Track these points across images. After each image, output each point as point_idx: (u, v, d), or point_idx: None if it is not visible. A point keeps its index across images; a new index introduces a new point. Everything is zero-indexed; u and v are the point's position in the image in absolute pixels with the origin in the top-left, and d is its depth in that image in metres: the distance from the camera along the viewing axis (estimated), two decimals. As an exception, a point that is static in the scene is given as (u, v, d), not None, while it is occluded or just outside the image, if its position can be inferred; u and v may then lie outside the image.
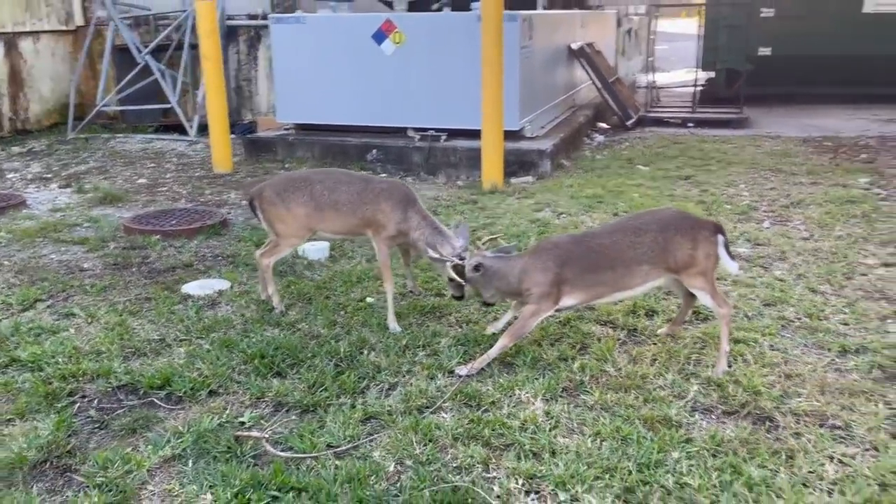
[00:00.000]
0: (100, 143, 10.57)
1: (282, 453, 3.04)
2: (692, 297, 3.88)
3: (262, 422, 3.31)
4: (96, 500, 2.75)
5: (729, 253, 3.74)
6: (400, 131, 8.75)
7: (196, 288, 4.82)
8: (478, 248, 4.05)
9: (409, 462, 2.97)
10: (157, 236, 5.81)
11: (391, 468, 2.93)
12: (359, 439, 3.14)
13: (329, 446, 3.08)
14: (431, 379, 3.62)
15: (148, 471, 2.95)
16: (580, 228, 5.83)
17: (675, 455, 2.96)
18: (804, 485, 2.79)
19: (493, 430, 3.15)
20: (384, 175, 8.07)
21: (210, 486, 2.83)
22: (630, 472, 2.85)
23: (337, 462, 2.97)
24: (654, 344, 3.98)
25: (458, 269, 3.92)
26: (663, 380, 3.59)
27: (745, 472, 2.84)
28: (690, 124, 11.06)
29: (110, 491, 2.81)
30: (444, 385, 3.56)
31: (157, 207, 6.93)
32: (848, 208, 6.39)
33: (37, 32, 11.71)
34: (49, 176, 8.41)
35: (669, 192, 7.11)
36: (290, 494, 2.77)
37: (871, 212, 6.28)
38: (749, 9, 12.15)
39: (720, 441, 3.06)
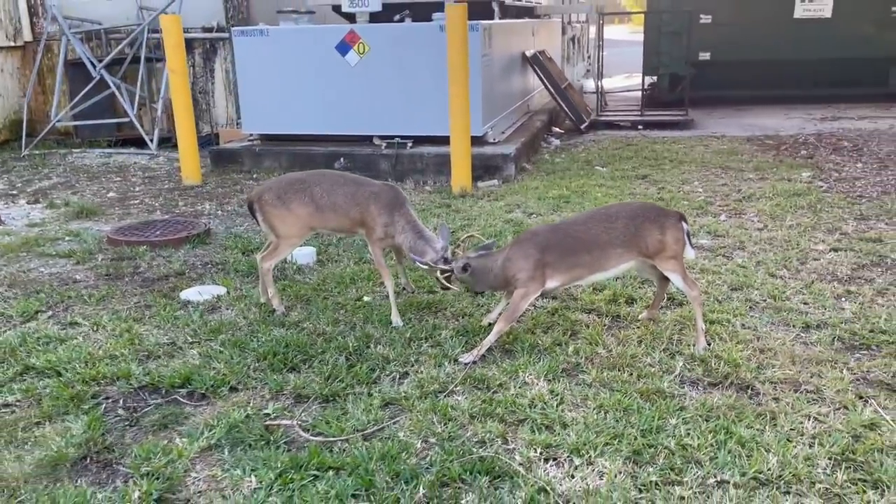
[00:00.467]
0: (57, 158, 10.50)
1: (314, 438, 3.26)
2: (665, 281, 4.23)
3: (285, 413, 3.51)
4: (146, 487, 2.92)
5: (689, 240, 4.12)
6: (366, 139, 8.98)
7: (194, 294, 4.96)
8: (463, 251, 4.32)
9: (433, 440, 3.23)
10: (145, 247, 5.91)
11: (418, 445, 3.18)
12: (382, 422, 3.38)
13: (356, 430, 3.31)
14: (439, 366, 3.88)
15: (189, 460, 3.13)
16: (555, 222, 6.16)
17: (673, 421, 3.28)
18: (788, 440, 3.14)
19: (505, 409, 3.43)
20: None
21: (252, 469, 3.03)
22: (635, 438, 3.16)
23: (366, 444, 3.20)
24: (638, 328, 4.32)
25: (446, 273, 4.20)
26: (651, 358, 3.92)
27: (735, 433, 3.18)
28: (640, 127, 11.57)
29: (157, 479, 2.99)
30: (452, 371, 3.83)
31: (134, 220, 7.00)
32: (795, 200, 6.89)
33: (-16, 49, 11.57)
34: (14, 192, 8.37)
35: (630, 191, 7.53)
36: (329, 473, 2.99)
37: (815, 203, 6.79)
38: (689, 16, 12.77)
39: (710, 408, 3.40)
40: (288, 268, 5.47)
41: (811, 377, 3.69)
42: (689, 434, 3.18)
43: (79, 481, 3.04)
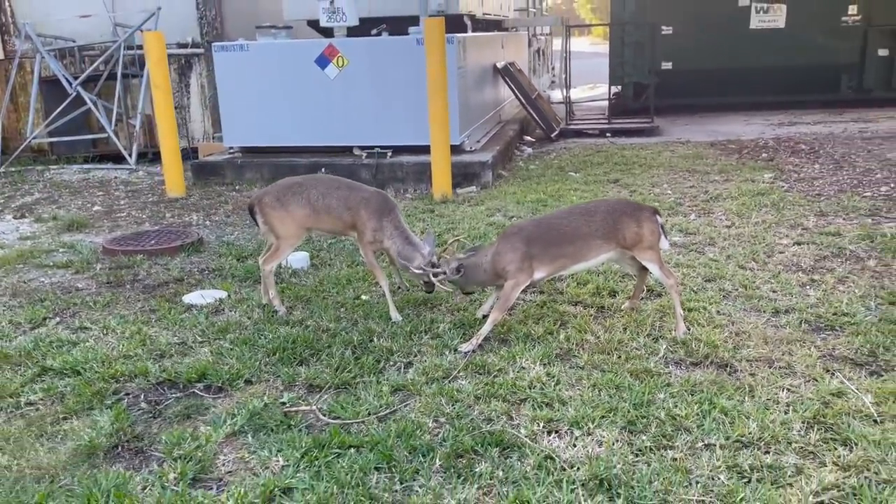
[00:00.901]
0: (35, 175, 10.56)
1: (332, 420, 3.50)
2: (644, 271, 4.56)
3: (300, 401, 3.74)
4: (180, 469, 3.13)
5: (664, 233, 4.45)
6: (347, 150, 9.24)
7: (197, 297, 5.16)
8: (450, 255, 4.60)
9: (443, 419, 3.49)
10: (142, 255, 6.08)
11: (430, 423, 3.44)
12: (394, 406, 3.63)
13: (370, 413, 3.56)
14: (441, 356, 4.15)
15: (216, 444, 3.35)
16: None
17: (661, 396, 3.59)
18: (766, 408, 3.47)
19: (507, 390, 3.70)
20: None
21: (278, 450, 3.26)
22: (628, 410, 3.46)
23: (381, 424, 3.45)
24: (622, 317, 4.63)
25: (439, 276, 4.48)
26: (636, 343, 4.24)
27: (718, 404, 3.49)
28: (608, 134, 12.00)
29: (189, 461, 3.20)
30: (454, 360, 4.09)
31: (125, 231, 7.16)
32: (759, 199, 7.30)
33: (-43, 67, 11.58)
34: (-2, 208, 8.46)
35: (603, 194, 7.88)
36: (351, 451, 3.24)
37: (778, 201, 7.21)
38: (650, 27, 13.28)
39: (694, 383, 3.72)
40: (283, 272, 5.69)
41: (783, 355, 4.03)
42: (676, 406, 3.49)
43: (115, 466, 3.24)
